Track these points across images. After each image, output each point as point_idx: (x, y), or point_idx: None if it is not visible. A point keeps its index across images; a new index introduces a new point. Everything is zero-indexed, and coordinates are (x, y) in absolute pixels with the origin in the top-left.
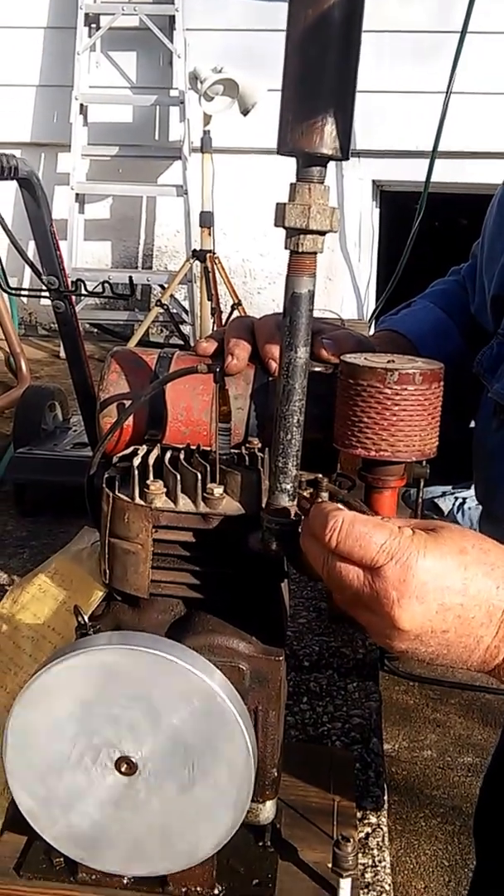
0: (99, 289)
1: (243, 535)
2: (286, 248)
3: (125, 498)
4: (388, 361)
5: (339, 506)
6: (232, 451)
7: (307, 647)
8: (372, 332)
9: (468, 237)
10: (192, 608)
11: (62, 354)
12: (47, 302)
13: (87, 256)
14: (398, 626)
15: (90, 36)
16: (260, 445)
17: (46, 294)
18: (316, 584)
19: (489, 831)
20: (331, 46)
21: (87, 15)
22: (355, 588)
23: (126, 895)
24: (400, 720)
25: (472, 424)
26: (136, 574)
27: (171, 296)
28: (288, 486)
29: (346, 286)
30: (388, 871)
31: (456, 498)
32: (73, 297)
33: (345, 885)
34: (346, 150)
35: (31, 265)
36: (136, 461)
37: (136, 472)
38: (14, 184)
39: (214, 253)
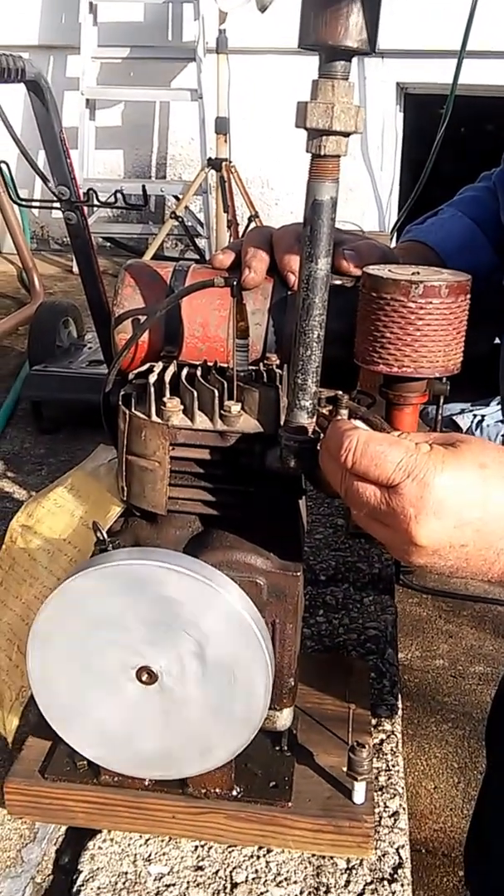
0: (111, 199)
1: (261, 452)
2: (307, 150)
3: (142, 416)
4: (413, 273)
5: (356, 424)
6: (249, 367)
7: (324, 561)
8: (394, 244)
9: (496, 143)
10: (210, 525)
11: (75, 269)
12: (59, 215)
13: (98, 166)
14: (416, 542)
15: None
16: (278, 362)
17: (58, 205)
18: (333, 501)
19: (501, 736)
20: None
21: None
22: (372, 506)
23: (147, 796)
24: (412, 631)
25: (498, 340)
26: (153, 491)
27: (186, 207)
28: (307, 404)
29: (368, 196)
30: (402, 774)
31: (474, 415)
32: (85, 209)
33: (359, 788)
34: (373, 43)
35: (42, 175)
36: (153, 378)
37: (153, 389)
38: (22, 89)
39: (230, 161)
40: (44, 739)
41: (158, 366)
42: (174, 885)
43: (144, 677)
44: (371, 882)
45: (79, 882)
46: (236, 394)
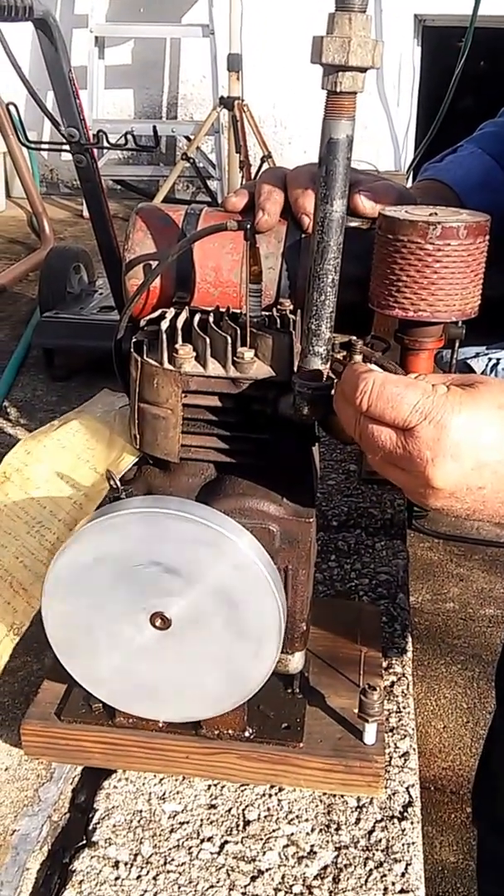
0: (121, 141)
1: (274, 399)
2: (323, 87)
3: (154, 363)
4: (431, 214)
5: (372, 367)
6: (263, 313)
7: (336, 507)
8: (411, 184)
9: None
10: (223, 472)
11: (85, 213)
12: (68, 157)
13: (108, 106)
14: (433, 485)
15: None
16: (292, 307)
17: (67, 147)
18: (345, 447)
19: None
20: None
21: None
22: (388, 449)
23: (161, 737)
24: (423, 574)
25: None
26: (166, 439)
27: (198, 148)
28: (321, 350)
29: (384, 134)
30: (412, 716)
31: (490, 359)
32: (95, 151)
33: (370, 729)
34: None
35: (50, 116)
36: (165, 325)
37: (165, 336)
38: (30, 27)
39: (243, 100)
40: (59, 683)
41: (170, 312)
42: (188, 822)
43: (158, 623)
44: (381, 820)
45: (94, 820)
46: (249, 340)
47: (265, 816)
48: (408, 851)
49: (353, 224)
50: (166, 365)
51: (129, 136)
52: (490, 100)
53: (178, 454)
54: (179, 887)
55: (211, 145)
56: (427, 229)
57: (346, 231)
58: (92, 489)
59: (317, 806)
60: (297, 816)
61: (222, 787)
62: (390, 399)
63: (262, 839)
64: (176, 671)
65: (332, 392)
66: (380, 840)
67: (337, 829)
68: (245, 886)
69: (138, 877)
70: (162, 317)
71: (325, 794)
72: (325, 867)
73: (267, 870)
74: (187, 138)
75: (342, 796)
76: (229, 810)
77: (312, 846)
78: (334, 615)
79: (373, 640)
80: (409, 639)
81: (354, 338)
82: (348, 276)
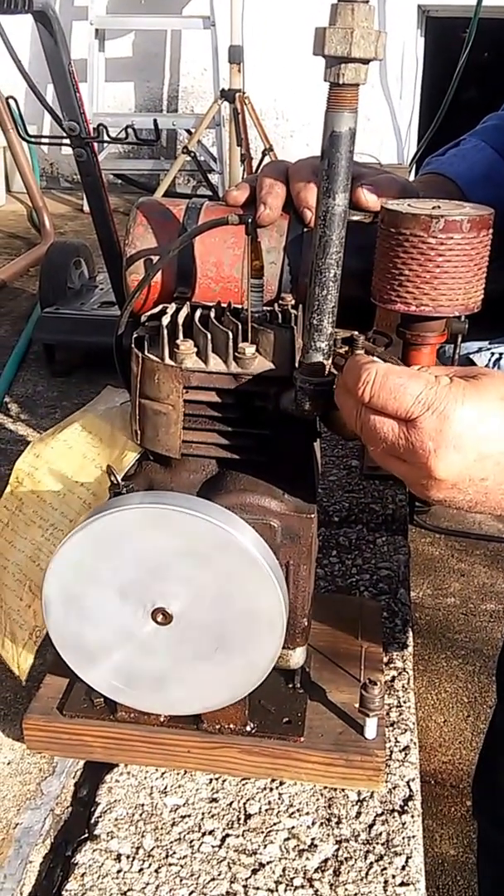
0: (122, 134)
1: (276, 395)
2: (325, 79)
3: (155, 358)
4: (433, 208)
5: (374, 358)
6: (264, 308)
7: (337, 503)
8: (413, 177)
9: None
10: (225, 467)
11: (86, 208)
12: (69, 151)
13: (108, 99)
14: (435, 476)
15: None
16: (294, 302)
17: (67, 142)
18: (347, 443)
19: None
20: None
21: None
22: (390, 441)
23: (163, 732)
24: (425, 570)
25: None
26: (167, 434)
27: (199, 142)
28: (322, 345)
29: (386, 126)
30: (413, 710)
31: (492, 353)
32: (96, 144)
33: (371, 724)
34: None
35: (50, 110)
36: (165, 320)
37: (166, 331)
38: (30, 20)
39: (244, 93)
40: (60, 677)
41: (171, 307)
42: (189, 816)
43: (160, 618)
44: (382, 813)
45: (97, 814)
46: (251, 335)
47: (266, 810)
48: (408, 845)
49: (355, 218)
50: (167, 360)
51: (130, 130)
52: (494, 91)
53: (179, 450)
54: (181, 880)
55: (212, 139)
56: (430, 223)
57: (348, 225)
58: (100, 488)
59: (317, 800)
60: (297, 810)
61: (223, 781)
62: (393, 390)
63: (263, 832)
64: (177, 666)
65: (334, 387)
66: (380, 833)
67: (338, 823)
68: (246, 879)
69: (140, 870)
70: (163, 312)
71: (325, 787)
72: (326, 860)
73: (268, 863)
74: (188, 132)
75: (343, 790)
76: (230, 804)
77: (313, 839)
78: (335, 611)
79: (374, 636)
80: (410, 634)
81: (356, 333)
82: (350, 271)
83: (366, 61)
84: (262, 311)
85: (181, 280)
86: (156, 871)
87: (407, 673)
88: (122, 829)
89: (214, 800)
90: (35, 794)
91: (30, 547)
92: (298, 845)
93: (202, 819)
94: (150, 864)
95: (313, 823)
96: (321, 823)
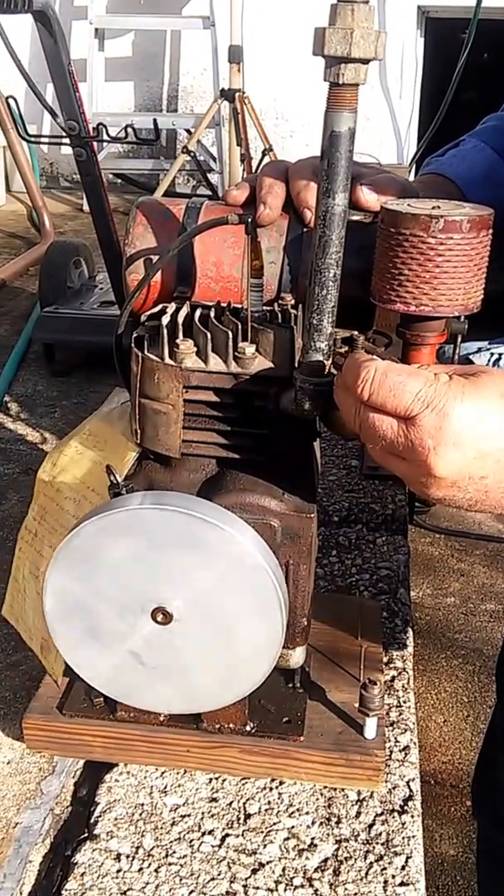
0: (122, 134)
1: (275, 395)
2: (325, 79)
3: (155, 358)
4: (433, 207)
5: (373, 357)
6: (264, 308)
7: (337, 502)
8: (413, 177)
9: None
10: (224, 467)
11: (85, 207)
12: (68, 151)
13: (108, 99)
14: (435, 474)
15: None
16: (293, 302)
17: (67, 141)
18: (346, 442)
19: None
20: None
21: None
22: (390, 439)
23: (163, 731)
24: (424, 570)
25: None
26: (167, 434)
27: (199, 141)
28: (322, 345)
29: (386, 126)
30: (413, 710)
31: (492, 354)
32: (95, 144)
33: (370, 724)
34: None
35: (50, 110)
36: (165, 320)
37: (165, 331)
38: (29, 20)
39: (244, 92)
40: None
41: (171, 307)
42: (189, 815)
43: (160, 617)
44: (381, 813)
45: (96, 813)
46: (250, 335)
47: (266, 810)
48: (408, 845)
49: (355, 218)
50: (167, 360)
51: (130, 130)
52: (494, 91)
53: (179, 449)
54: (181, 880)
55: (212, 138)
56: (430, 223)
57: (348, 225)
58: (106, 490)
59: (317, 799)
60: (297, 810)
61: (223, 780)
62: (392, 387)
63: (262, 832)
64: (177, 666)
65: (334, 386)
66: (380, 833)
67: (337, 823)
68: (246, 879)
69: (140, 869)
70: (163, 312)
71: (325, 787)
72: (326, 860)
73: (268, 862)
74: (188, 131)
75: (343, 790)
76: (230, 803)
77: (313, 839)
78: (335, 610)
79: (373, 635)
80: (410, 634)
81: (356, 332)
82: (350, 271)
83: (365, 61)
84: (262, 311)
85: (181, 280)
86: (155, 870)
87: (407, 673)
88: (121, 828)
89: (214, 799)
90: (35, 793)
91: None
92: (298, 845)
93: (202, 819)
94: (149, 864)
95: (313, 823)
96: (321, 823)
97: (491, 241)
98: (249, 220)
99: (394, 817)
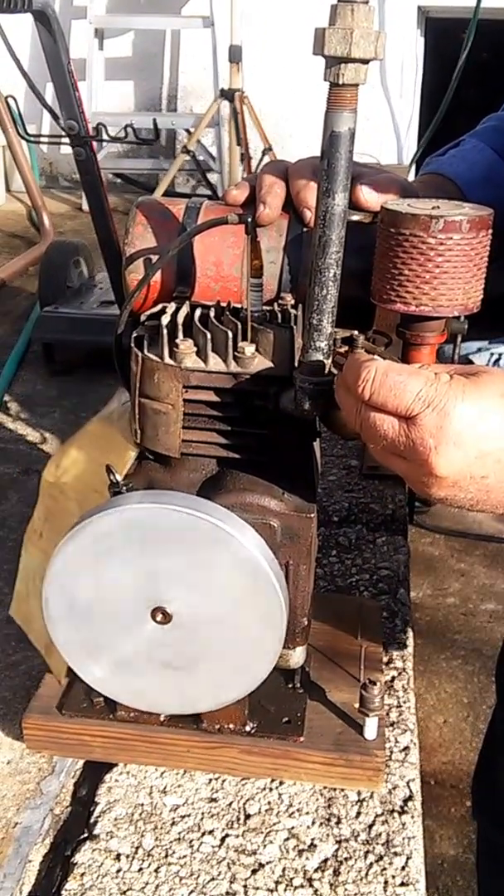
0: (121, 134)
1: (275, 394)
2: (325, 79)
3: (154, 358)
4: (433, 208)
5: (374, 357)
6: (264, 307)
7: (337, 502)
8: (413, 177)
9: None
10: (224, 467)
11: (85, 207)
12: (68, 150)
13: (107, 99)
14: (436, 473)
15: None
16: (293, 301)
17: (66, 141)
18: (346, 442)
19: None
20: None
21: None
22: (390, 438)
23: (163, 731)
24: (424, 570)
25: None
26: (167, 434)
27: (198, 141)
28: (322, 345)
29: (386, 126)
30: (413, 710)
31: (492, 354)
32: (95, 144)
33: (370, 724)
34: None
35: (50, 109)
36: (165, 319)
37: (165, 330)
38: (29, 19)
39: (244, 92)
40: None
41: (171, 307)
42: (189, 815)
43: (159, 617)
44: (381, 813)
45: (96, 813)
46: (250, 335)
47: (266, 810)
48: (408, 845)
49: (355, 218)
50: (167, 360)
51: (129, 129)
52: (494, 91)
53: (178, 449)
54: (181, 880)
55: (211, 138)
56: (429, 223)
57: (348, 225)
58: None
59: (317, 800)
60: (297, 810)
61: (223, 780)
62: (393, 387)
63: (262, 832)
64: (177, 666)
65: (334, 385)
66: (380, 834)
67: (337, 823)
68: (246, 879)
69: (140, 869)
70: (162, 311)
71: (325, 787)
72: (326, 860)
73: (268, 863)
74: (187, 131)
75: (343, 790)
76: (230, 804)
77: (313, 839)
78: (335, 610)
79: (373, 636)
80: (410, 634)
81: (356, 332)
82: (350, 270)
83: (365, 61)
84: (262, 311)
85: (181, 279)
86: (155, 870)
87: (407, 673)
88: (121, 828)
89: (214, 799)
90: (35, 793)
91: None
92: (298, 845)
93: (202, 819)
94: (149, 864)
95: (313, 823)
96: (321, 823)
97: (491, 241)
98: (249, 219)
99: (394, 818)
